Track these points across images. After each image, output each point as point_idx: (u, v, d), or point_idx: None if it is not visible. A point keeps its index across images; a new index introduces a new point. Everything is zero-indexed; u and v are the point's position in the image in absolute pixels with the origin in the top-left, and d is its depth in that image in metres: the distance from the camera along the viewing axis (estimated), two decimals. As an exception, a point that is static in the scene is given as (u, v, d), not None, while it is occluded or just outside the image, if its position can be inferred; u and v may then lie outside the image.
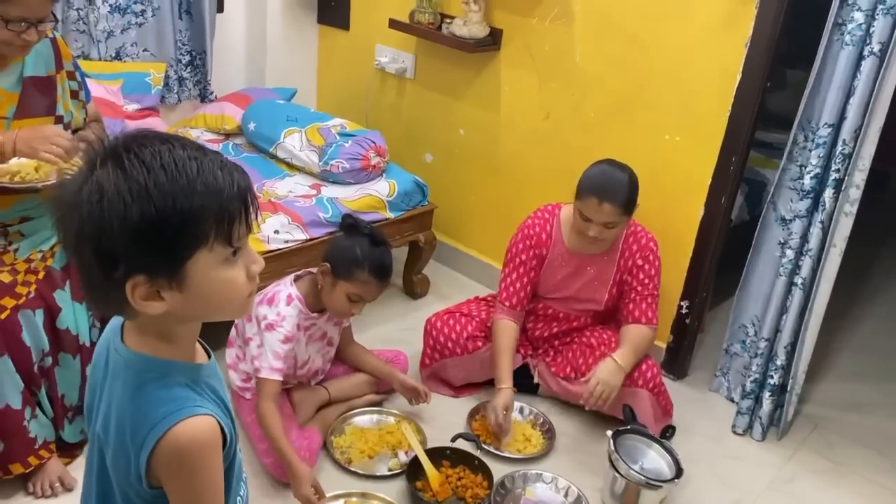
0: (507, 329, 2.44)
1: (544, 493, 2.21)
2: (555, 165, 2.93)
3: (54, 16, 1.93)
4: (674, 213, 2.63)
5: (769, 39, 2.33)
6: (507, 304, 2.46)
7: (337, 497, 2.07)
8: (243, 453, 2.14)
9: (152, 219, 0.87)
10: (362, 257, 2.12)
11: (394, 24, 3.11)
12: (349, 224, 2.24)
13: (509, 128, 3.04)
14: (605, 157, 2.72)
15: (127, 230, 0.87)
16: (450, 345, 2.49)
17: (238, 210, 0.94)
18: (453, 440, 2.25)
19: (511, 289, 2.46)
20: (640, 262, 2.40)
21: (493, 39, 2.94)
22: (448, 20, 2.99)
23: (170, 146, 0.91)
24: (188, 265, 0.92)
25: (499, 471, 2.23)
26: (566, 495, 2.20)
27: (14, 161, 1.89)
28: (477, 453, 2.21)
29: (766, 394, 2.49)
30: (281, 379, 2.11)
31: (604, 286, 2.43)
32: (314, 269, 2.24)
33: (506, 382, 2.37)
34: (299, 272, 2.29)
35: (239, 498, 1.14)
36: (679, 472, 2.11)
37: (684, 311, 2.72)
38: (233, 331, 2.30)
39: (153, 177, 0.87)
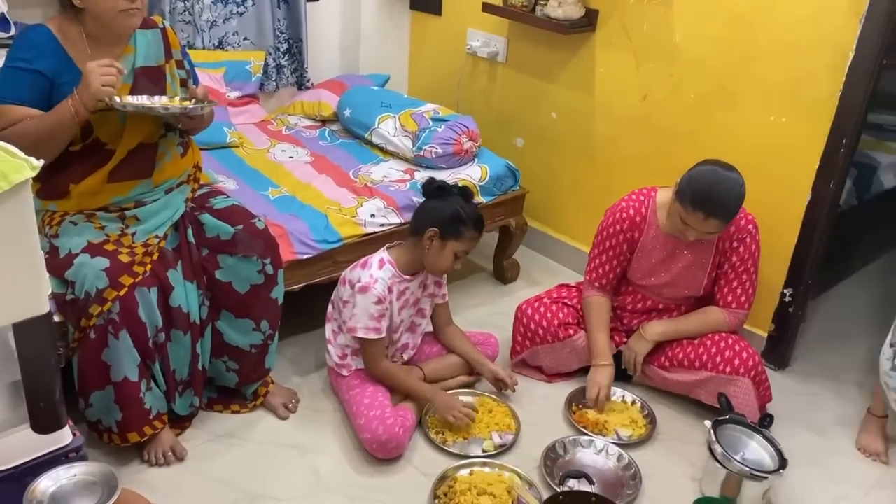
0: (599, 304, 2.45)
1: (594, 459, 2.22)
2: (652, 149, 2.87)
3: None
4: (778, 197, 2.53)
5: (886, 13, 2.20)
6: (595, 283, 2.46)
7: (462, 467, 2.13)
8: (341, 430, 2.23)
9: None
10: (465, 216, 2.20)
11: (487, 7, 3.10)
12: (438, 186, 2.29)
13: (604, 111, 2.99)
14: (706, 140, 2.68)
15: None
16: (541, 332, 2.47)
17: None
18: (561, 482, 2.12)
19: (600, 270, 2.45)
20: (735, 243, 2.32)
21: (589, 20, 2.89)
22: (542, 2, 2.96)
23: None
24: None
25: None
26: (618, 460, 2.21)
27: (134, 100, 1.98)
28: (592, 488, 2.10)
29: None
30: (381, 337, 2.22)
31: (702, 270, 2.37)
32: (403, 241, 2.33)
33: (605, 358, 2.40)
34: (391, 243, 2.35)
35: None
36: (783, 464, 2.04)
37: (787, 299, 2.63)
38: (329, 306, 2.37)
39: None
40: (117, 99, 1.91)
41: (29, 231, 1.42)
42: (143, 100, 2.00)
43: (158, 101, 2.01)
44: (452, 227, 2.20)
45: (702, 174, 2.18)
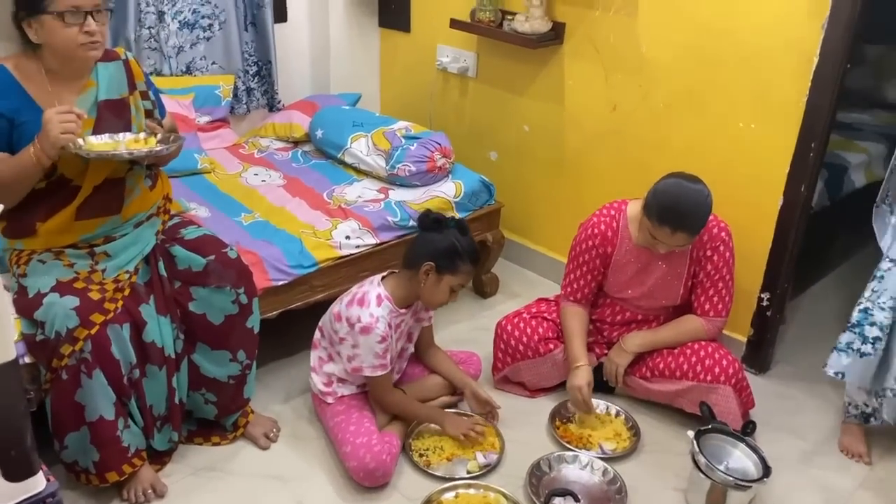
0: (575, 313, 2.45)
1: (579, 475, 2.21)
2: (623, 158, 2.88)
3: (108, 7, 1.96)
4: (751, 202, 2.55)
5: (848, 19, 2.23)
6: (571, 298, 2.46)
7: (447, 489, 2.12)
8: (324, 459, 2.21)
9: None
10: (461, 249, 2.18)
11: (455, 23, 3.10)
12: (434, 219, 2.25)
13: (575, 122, 3.00)
14: (676, 149, 2.69)
15: None
16: (521, 347, 2.47)
17: None
18: (547, 501, 2.06)
19: (575, 285, 2.45)
20: (709, 252, 2.33)
21: (556, 33, 2.90)
22: (509, 17, 2.97)
23: None
24: None
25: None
26: (603, 474, 2.20)
27: (98, 140, 1.93)
28: None
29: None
30: (388, 371, 2.21)
31: (678, 280, 2.37)
32: (395, 270, 2.30)
33: (581, 360, 2.38)
34: (384, 273, 2.31)
35: None
36: (767, 471, 2.05)
37: (765, 303, 2.64)
38: (317, 333, 2.34)
39: None
40: (81, 142, 1.88)
41: (-9, 278, 1.39)
42: (105, 139, 1.95)
43: (123, 144, 1.95)
44: (448, 261, 2.17)
45: (666, 188, 2.18)
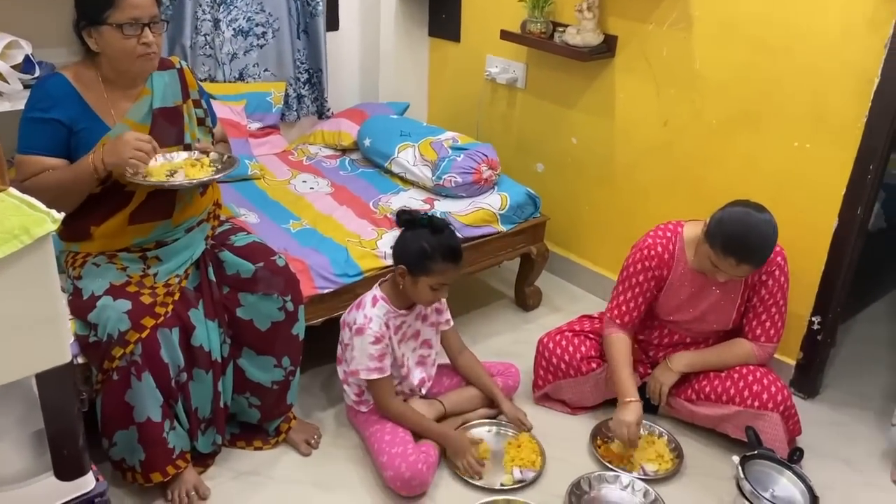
0: (620, 341, 2.37)
1: (620, 495, 2.17)
2: (674, 174, 2.84)
3: (164, 19, 2.01)
4: (804, 224, 2.49)
5: (912, 38, 2.17)
6: (617, 321, 2.39)
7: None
8: (364, 467, 2.22)
9: None
10: (431, 250, 2.13)
11: (505, 35, 3.10)
12: (406, 219, 2.22)
13: (625, 136, 2.97)
14: (729, 166, 2.65)
15: None
16: (563, 366, 2.44)
17: None
18: None
19: (623, 307, 2.38)
20: (764, 277, 2.27)
21: (608, 46, 2.88)
22: (560, 29, 2.95)
23: None
24: None
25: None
26: (644, 496, 2.15)
27: (154, 163, 1.98)
28: None
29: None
30: (386, 375, 2.19)
31: (731, 305, 2.32)
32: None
33: (631, 395, 2.30)
34: (385, 277, 2.31)
35: None
36: (815, 501, 2.00)
37: (816, 326, 2.57)
38: (338, 348, 2.35)
39: None
40: (142, 170, 1.92)
41: (50, 283, 1.43)
42: (160, 160, 2.00)
43: (180, 174, 1.99)
44: (419, 263, 2.13)
45: (733, 217, 2.10)
